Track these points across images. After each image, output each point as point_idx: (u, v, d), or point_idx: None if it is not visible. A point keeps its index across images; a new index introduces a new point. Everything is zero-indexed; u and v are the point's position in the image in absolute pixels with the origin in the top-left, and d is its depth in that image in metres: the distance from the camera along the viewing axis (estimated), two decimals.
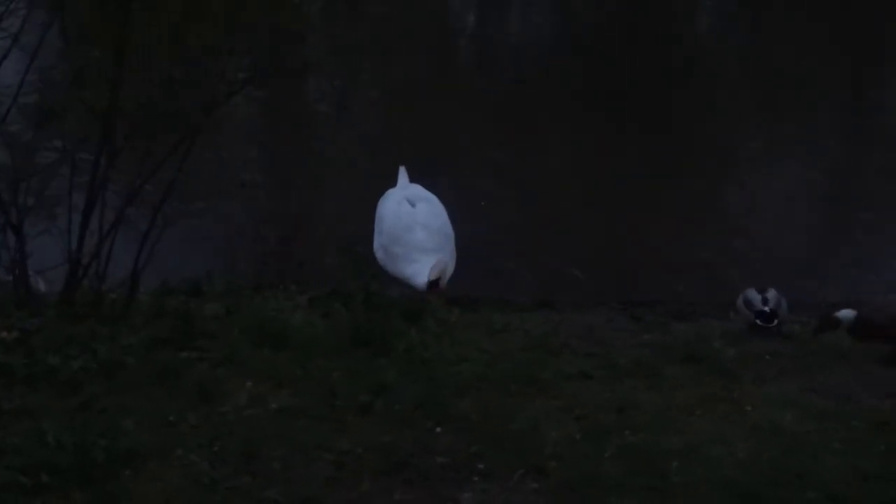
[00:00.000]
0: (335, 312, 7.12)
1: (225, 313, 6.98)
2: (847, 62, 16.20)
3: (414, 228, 8.85)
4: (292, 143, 12.18)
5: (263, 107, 12.61)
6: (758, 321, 7.74)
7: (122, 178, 7.16)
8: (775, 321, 7.74)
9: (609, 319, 8.12)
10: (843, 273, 9.79)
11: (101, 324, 6.41)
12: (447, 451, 5.42)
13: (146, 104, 6.74)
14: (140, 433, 5.37)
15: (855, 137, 13.49)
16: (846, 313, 7.38)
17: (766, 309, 7.76)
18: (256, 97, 11.49)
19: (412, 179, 9.29)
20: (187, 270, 7.98)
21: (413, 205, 8.99)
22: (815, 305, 8.27)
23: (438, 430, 5.62)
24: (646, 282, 9.53)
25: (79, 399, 5.66)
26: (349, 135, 12.46)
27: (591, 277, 9.51)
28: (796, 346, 7.38)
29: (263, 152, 11.89)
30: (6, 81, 6.92)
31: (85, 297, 6.75)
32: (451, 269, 8.72)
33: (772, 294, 7.84)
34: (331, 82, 13.36)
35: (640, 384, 6.39)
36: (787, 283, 8.30)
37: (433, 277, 8.39)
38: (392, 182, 9.21)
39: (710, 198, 11.74)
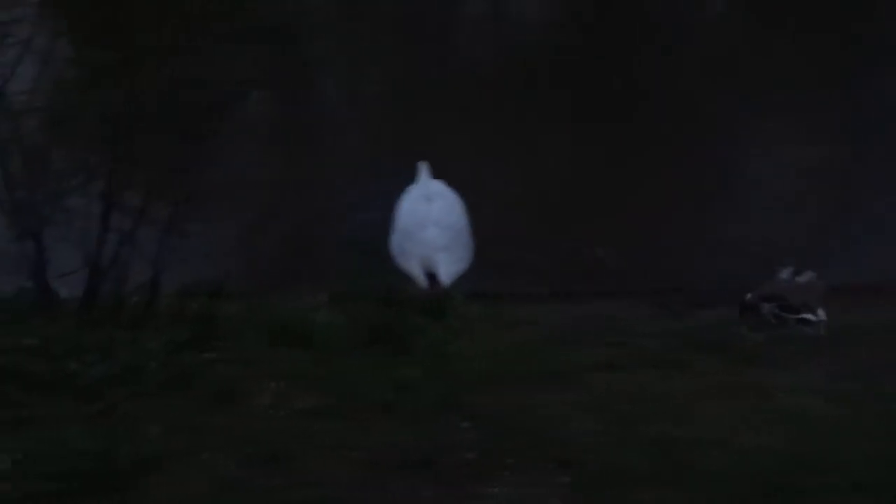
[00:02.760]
0: (355, 311, 7.09)
1: (245, 314, 6.95)
2: (857, 46, 16.11)
3: (426, 226, 8.83)
4: (309, 141, 12.15)
5: (278, 105, 12.58)
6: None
7: (139, 183, 7.12)
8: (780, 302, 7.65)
9: (631, 308, 8.08)
10: (873, 255, 9.69)
11: (121, 328, 6.39)
12: (473, 447, 5.37)
13: (160, 106, 6.71)
14: (163, 438, 5.34)
15: (871, 120, 13.39)
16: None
17: (776, 291, 7.70)
18: (271, 95, 11.49)
19: (434, 177, 9.26)
20: (206, 272, 7.95)
21: (429, 201, 8.97)
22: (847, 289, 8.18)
23: (465, 426, 5.58)
24: (667, 269, 9.47)
25: (101, 405, 5.62)
26: (368, 131, 12.44)
27: (612, 266, 9.48)
28: (823, 331, 7.31)
29: (280, 150, 11.86)
30: (20, 87, 6.89)
31: (105, 303, 6.73)
32: (464, 265, 8.69)
33: (802, 277, 7.74)
34: (345, 79, 13.36)
35: (666, 373, 6.35)
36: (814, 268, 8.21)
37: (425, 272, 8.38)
38: (412, 178, 9.18)
39: (732, 182, 11.67)
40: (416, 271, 8.59)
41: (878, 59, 15.24)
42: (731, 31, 17.25)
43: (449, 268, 8.48)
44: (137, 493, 4.95)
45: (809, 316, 7.40)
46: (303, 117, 12.93)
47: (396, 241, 8.83)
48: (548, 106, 13.47)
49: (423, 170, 9.32)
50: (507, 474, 5.16)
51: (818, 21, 16.89)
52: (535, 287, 8.96)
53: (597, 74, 14.66)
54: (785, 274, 7.81)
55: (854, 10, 16.96)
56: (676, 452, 5.36)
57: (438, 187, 9.18)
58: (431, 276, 8.33)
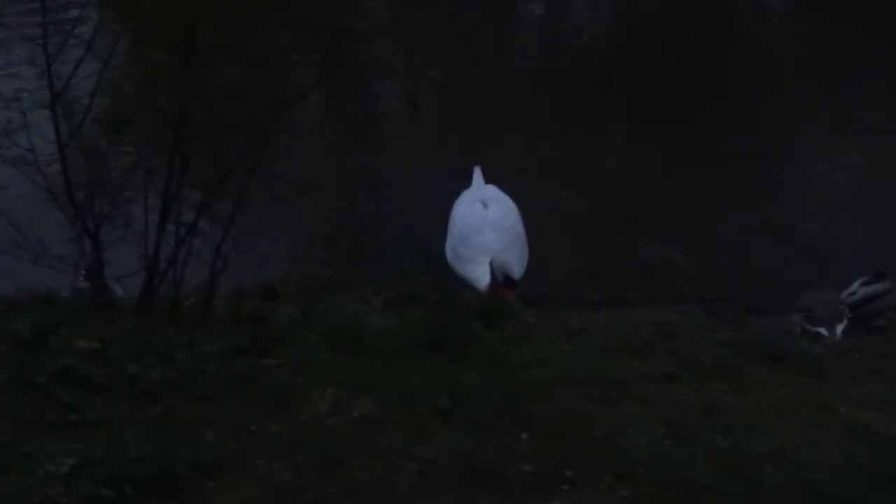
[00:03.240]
0: (411, 315, 7.05)
1: (301, 317, 6.92)
2: None
3: (484, 230, 8.81)
4: (364, 144, 12.13)
5: (334, 108, 12.59)
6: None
7: (196, 184, 7.11)
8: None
9: (685, 316, 8.01)
10: None
11: (179, 331, 6.36)
12: (531, 458, 5.30)
13: (217, 109, 6.69)
14: (221, 443, 5.30)
15: None
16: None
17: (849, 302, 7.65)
18: (327, 98, 11.48)
19: (487, 180, 9.23)
20: (261, 274, 7.95)
21: (486, 206, 8.94)
22: None
23: (523, 436, 5.52)
24: (721, 275, 9.40)
25: (159, 409, 5.58)
26: (422, 135, 12.41)
27: (664, 272, 9.41)
28: (889, 342, 7.22)
29: (335, 154, 11.85)
30: (80, 89, 6.89)
31: (162, 304, 6.71)
32: (521, 268, 8.64)
33: (870, 288, 7.68)
34: (402, 81, 13.30)
35: (726, 385, 6.27)
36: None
37: (499, 277, 8.29)
38: (467, 182, 9.16)
39: (794, 185, 11.57)
40: (474, 274, 8.56)
41: None
42: (791, 29, 17.10)
43: (517, 269, 8.43)
44: (194, 498, 4.92)
45: (823, 331, 7.36)
46: (359, 118, 12.92)
47: (452, 246, 8.79)
48: (603, 108, 13.41)
49: (478, 173, 9.29)
50: (566, 487, 5.10)
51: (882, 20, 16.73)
52: (588, 291, 8.88)
53: (652, 76, 14.57)
54: (855, 285, 7.76)
55: None
56: (738, 465, 5.28)
57: (493, 191, 9.16)
58: (506, 279, 8.27)
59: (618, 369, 6.33)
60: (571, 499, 5.02)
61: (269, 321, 6.64)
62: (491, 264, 8.37)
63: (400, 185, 11.02)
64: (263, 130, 6.77)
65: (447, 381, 6.00)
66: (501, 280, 8.30)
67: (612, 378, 6.20)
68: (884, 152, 12.31)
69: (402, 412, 5.70)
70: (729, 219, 10.46)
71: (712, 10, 17.51)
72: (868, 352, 6.96)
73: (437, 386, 5.94)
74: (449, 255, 8.87)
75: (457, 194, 9.01)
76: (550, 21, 18.93)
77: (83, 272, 7.21)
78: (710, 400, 6.02)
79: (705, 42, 15.88)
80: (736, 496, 5.05)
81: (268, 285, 7.65)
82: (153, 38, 7.07)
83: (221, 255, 6.79)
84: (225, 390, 5.82)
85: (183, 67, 6.62)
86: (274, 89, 6.97)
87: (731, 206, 10.72)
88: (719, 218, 10.47)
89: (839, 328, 7.36)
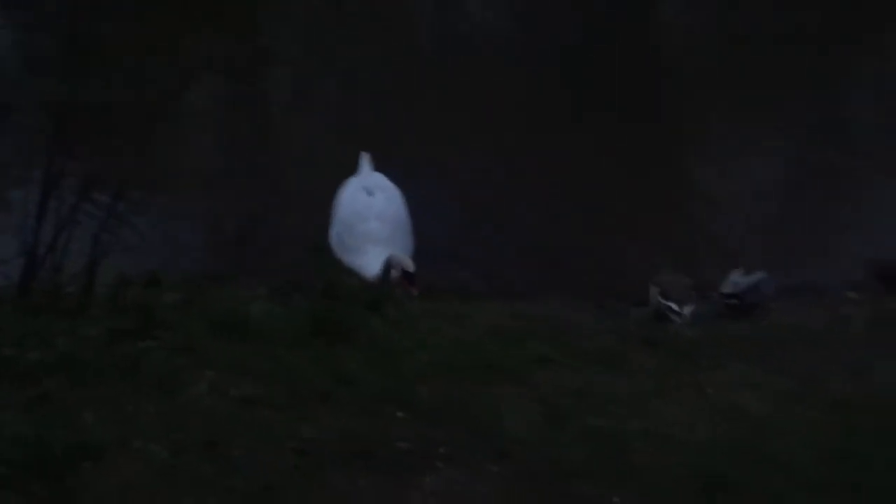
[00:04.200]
0: (296, 302, 7.08)
1: (184, 304, 6.92)
2: (816, 50, 16.27)
3: (368, 219, 8.83)
4: (251, 134, 12.11)
5: (222, 97, 12.52)
6: (723, 301, 7.88)
7: (78, 171, 7.08)
8: (733, 301, 7.85)
9: (571, 307, 8.12)
10: (814, 252, 9.81)
11: (58, 316, 6.34)
12: (409, 438, 5.39)
13: (102, 95, 6.67)
14: (99, 425, 5.30)
15: (821, 122, 13.52)
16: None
17: (728, 290, 7.88)
18: (215, 87, 11.41)
19: (376, 168, 9.26)
20: (145, 262, 7.91)
21: (370, 194, 8.96)
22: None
23: (401, 416, 5.60)
24: (609, 270, 9.52)
25: (37, 392, 5.56)
26: (308, 124, 12.43)
27: (552, 266, 9.52)
28: (761, 329, 7.42)
29: (221, 143, 11.80)
30: None
31: (42, 290, 6.68)
32: (409, 261, 8.69)
33: (749, 277, 7.93)
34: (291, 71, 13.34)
35: (603, 369, 6.41)
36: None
37: (396, 273, 8.34)
38: (354, 171, 9.18)
39: (676, 183, 11.76)
40: (360, 263, 8.59)
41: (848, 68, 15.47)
42: (700, 36, 17.35)
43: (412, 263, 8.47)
44: (72, 479, 4.92)
45: (675, 307, 7.67)
46: (251, 109, 12.88)
47: (337, 233, 8.81)
48: (500, 104, 13.49)
49: (365, 161, 9.30)
50: (441, 464, 5.19)
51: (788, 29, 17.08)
52: (480, 285, 8.98)
53: (546, 74, 14.71)
54: (735, 275, 7.99)
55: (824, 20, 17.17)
56: (610, 444, 5.41)
57: (379, 180, 9.17)
58: (404, 274, 8.31)
59: (498, 354, 6.43)
60: (446, 475, 5.12)
61: (151, 307, 6.63)
62: (387, 263, 8.41)
63: (285, 174, 11.01)
64: (149, 118, 6.77)
65: (329, 364, 6.06)
66: (400, 275, 8.35)
67: (491, 362, 6.30)
68: (779, 154, 12.61)
69: (282, 394, 5.75)
70: (618, 212, 10.59)
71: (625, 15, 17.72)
72: (740, 337, 7.15)
73: (319, 369, 6.00)
74: (334, 242, 8.89)
75: (342, 183, 9.03)
76: (445, 13, 18.99)
77: None
78: (586, 382, 6.15)
79: (612, 42, 16.07)
80: (607, 474, 5.18)
81: (151, 273, 7.61)
82: (35, 24, 7.03)
83: (101, 242, 6.78)
84: (105, 374, 5.81)
85: (66, 53, 6.60)
86: (161, 76, 6.95)
87: (623, 201, 10.85)
88: (606, 213, 10.59)
89: (686, 308, 7.67)
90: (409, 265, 8.32)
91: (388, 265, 8.36)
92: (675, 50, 16.28)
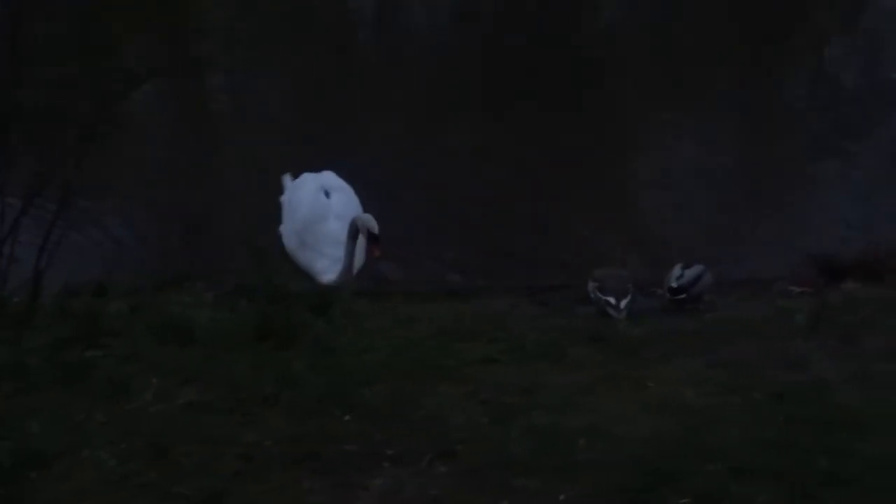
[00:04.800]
0: (241, 307, 7.11)
1: (130, 312, 6.94)
2: (752, 40, 16.43)
3: (328, 218, 8.91)
4: (193, 139, 12.10)
5: (164, 103, 12.51)
6: (668, 295, 7.95)
7: (21, 180, 7.06)
8: (681, 295, 7.93)
9: (515, 305, 8.18)
10: (754, 246, 9.92)
11: (3, 327, 6.34)
12: (355, 440, 5.44)
13: (42, 103, 6.66)
14: (46, 434, 5.33)
15: (762, 113, 13.66)
16: None
17: (674, 285, 7.95)
18: (156, 93, 11.42)
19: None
20: (91, 271, 7.92)
21: (328, 195, 9.06)
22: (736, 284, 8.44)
23: (346, 418, 5.65)
24: (551, 267, 9.58)
25: None
26: (250, 129, 12.44)
27: (496, 265, 9.57)
28: (704, 323, 7.50)
29: (164, 149, 11.78)
30: None
31: None
32: (363, 257, 8.75)
33: (692, 270, 8.03)
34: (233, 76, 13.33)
35: (546, 366, 6.46)
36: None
37: (363, 233, 8.43)
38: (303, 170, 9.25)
39: (617, 179, 11.84)
40: (319, 267, 8.66)
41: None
42: (632, 32, 17.45)
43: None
44: (18, 488, 4.94)
45: (612, 300, 7.82)
46: (194, 112, 12.88)
47: (296, 232, 8.88)
48: (442, 101, 13.54)
49: (287, 182, 9.42)
50: (387, 465, 5.24)
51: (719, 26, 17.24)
52: (424, 285, 9.01)
53: (480, 72, 14.77)
54: (677, 269, 8.08)
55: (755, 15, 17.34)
56: (556, 442, 5.46)
57: (333, 179, 9.26)
58: (369, 236, 8.38)
59: (442, 354, 6.48)
60: (393, 476, 5.16)
61: (97, 315, 6.65)
62: (354, 224, 8.52)
63: (228, 178, 11.01)
64: (89, 124, 6.76)
65: (274, 368, 6.10)
66: (366, 236, 8.46)
67: (435, 362, 6.35)
68: (718, 149, 12.71)
69: (228, 399, 5.80)
70: (561, 209, 10.65)
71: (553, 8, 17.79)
72: (683, 331, 7.21)
73: (263, 373, 6.03)
74: (291, 242, 8.95)
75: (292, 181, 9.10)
76: (383, 14, 19.03)
77: None
78: (530, 380, 6.20)
79: (543, 39, 16.14)
80: (551, 470, 5.23)
81: (97, 282, 7.62)
82: None
83: (47, 251, 6.77)
84: (51, 382, 5.84)
85: (7, 59, 6.58)
86: (102, 83, 6.95)
87: (561, 199, 10.91)
88: (552, 208, 10.64)
89: (624, 302, 7.77)
90: (374, 227, 8.42)
91: (355, 227, 8.46)
92: (615, 49, 16.37)
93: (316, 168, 9.48)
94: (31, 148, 6.87)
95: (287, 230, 9.10)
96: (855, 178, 11.56)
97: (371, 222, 8.43)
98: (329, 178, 9.31)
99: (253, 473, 5.16)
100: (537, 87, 13.98)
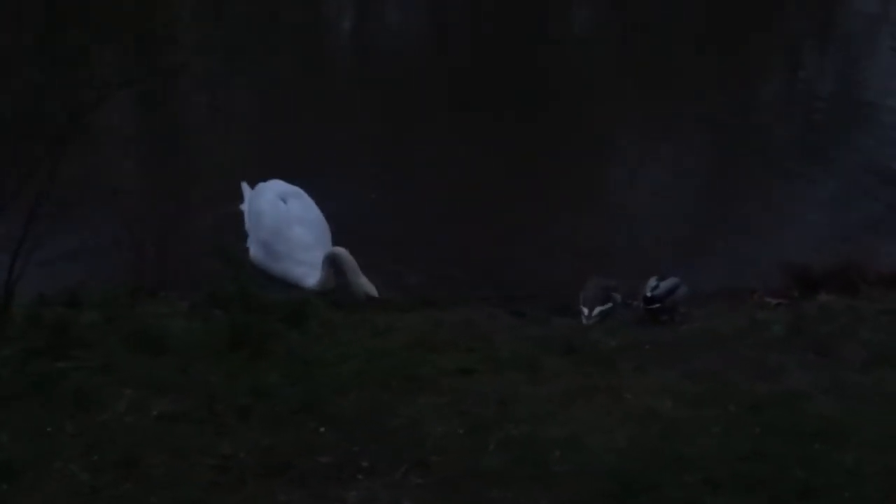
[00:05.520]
0: (214, 317, 7.07)
1: (102, 322, 6.88)
2: (724, 49, 16.48)
3: (291, 225, 8.92)
4: (164, 148, 12.05)
5: (135, 111, 12.45)
6: (643, 306, 7.99)
7: None
8: (656, 305, 7.96)
9: (490, 316, 8.16)
10: (729, 258, 9.93)
11: None
12: (330, 451, 5.41)
13: (13, 111, 6.61)
14: (16, 445, 5.28)
15: (735, 124, 13.67)
16: None
17: (649, 294, 7.98)
18: (128, 102, 11.36)
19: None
20: (63, 281, 7.85)
21: (284, 201, 9.08)
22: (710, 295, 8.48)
23: (321, 430, 5.61)
24: (526, 277, 9.56)
25: None
26: (221, 137, 12.41)
27: (472, 275, 9.54)
28: (680, 334, 7.51)
29: (136, 158, 11.72)
30: None
31: None
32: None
33: (667, 282, 8.06)
34: (202, 84, 13.29)
35: (521, 377, 6.44)
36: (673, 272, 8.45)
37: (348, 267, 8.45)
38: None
39: (591, 191, 11.85)
40: (296, 274, 8.66)
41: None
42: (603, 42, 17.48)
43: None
44: None
45: (585, 310, 8.02)
46: (167, 123, 12.83)
47: (264, 242, 8.87)
48: (411, 115, 13.51)
49: (245, 190, 9.43)
50: (362, 477, 5.21)
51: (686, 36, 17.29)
52: (399, 294, 8.99)
53: (455, 82, 14.76)
54: (652, 280, 8.11)
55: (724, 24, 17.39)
56: (529, 452, 5.45)
57: (283, 186, 9.29)
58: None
59: (417, 365, 6.45)
60: (368, 488, 5.14)
61: (69, 326, 6.59)
62: (332, 258, 8.54)
63: (200, 187, 10.95)
64: (60, 133, 6.70)
65: (247, 379, 6.06)
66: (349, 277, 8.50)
67: (411, 373, 6.32)
68: (692, 160, 12.73)
69: (200, 410, 5.75)
70: (537, 224, 10.63)
71: (526, 17, 17.80)
72: (659, 343, 7.20)
73: (237, 384, 5.99)
74: (259, 252, 8.94)
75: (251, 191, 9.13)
76: (353, 24, 19.02)
77: None
78: (505, 391, 6.18)
79: (518, 49, 16.15)
80: (526, 480, 5.22)
81: (70, 292, 7.56)
82: None
83: (18, 261, 6.69)
84: (21, 393, 5.78)
85: None
86: (73, 92, 6.89)
87: (536, 210, 10.89)
88: (517, 219, 10.62)
89: (597, 309, 7.82)
90: (373, 291, 8.48)
91: (333, 260, 8.47)
92: (588, 57, 16.41)
93: (286, 175, 9.50)
94: (2, 158, 6.79)
95: (253, 241, 9.10)
96: (831, 189, 11.59)
97: (357, 275, 8.48)
98: (279, 185, 9.35)
99: (227, 485, 5.13)
100: (512, 103, 13.94)
